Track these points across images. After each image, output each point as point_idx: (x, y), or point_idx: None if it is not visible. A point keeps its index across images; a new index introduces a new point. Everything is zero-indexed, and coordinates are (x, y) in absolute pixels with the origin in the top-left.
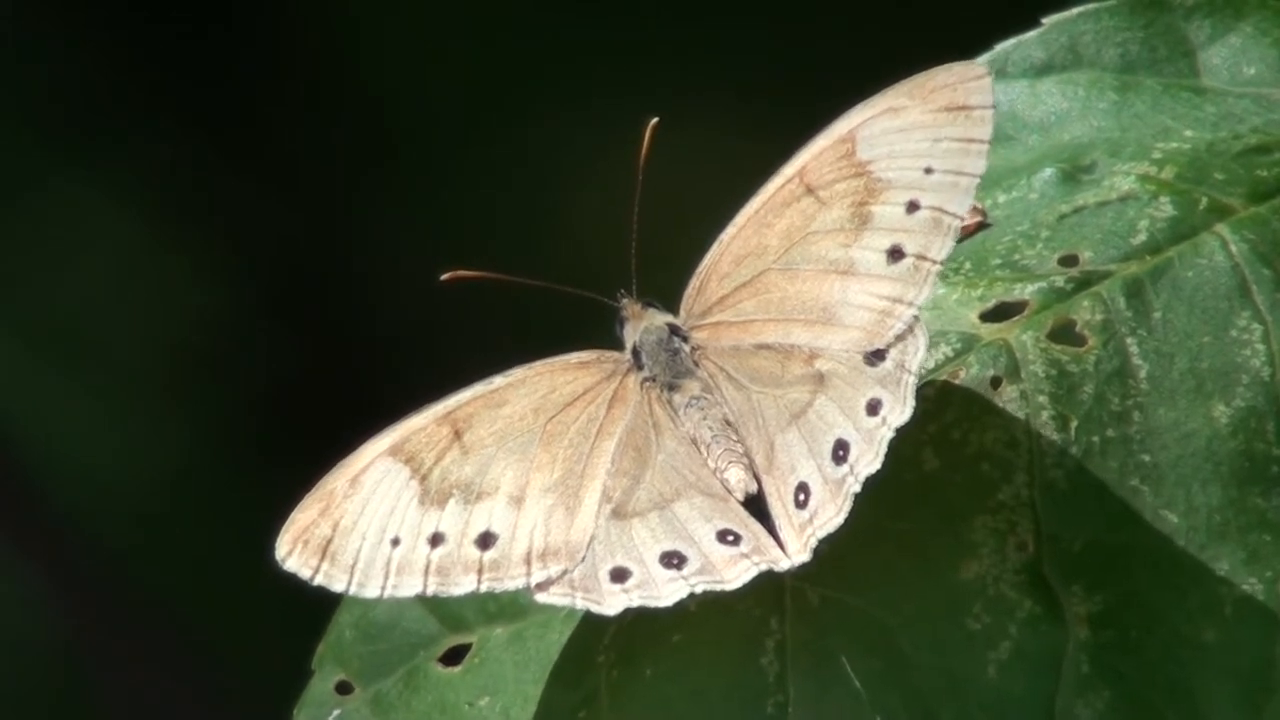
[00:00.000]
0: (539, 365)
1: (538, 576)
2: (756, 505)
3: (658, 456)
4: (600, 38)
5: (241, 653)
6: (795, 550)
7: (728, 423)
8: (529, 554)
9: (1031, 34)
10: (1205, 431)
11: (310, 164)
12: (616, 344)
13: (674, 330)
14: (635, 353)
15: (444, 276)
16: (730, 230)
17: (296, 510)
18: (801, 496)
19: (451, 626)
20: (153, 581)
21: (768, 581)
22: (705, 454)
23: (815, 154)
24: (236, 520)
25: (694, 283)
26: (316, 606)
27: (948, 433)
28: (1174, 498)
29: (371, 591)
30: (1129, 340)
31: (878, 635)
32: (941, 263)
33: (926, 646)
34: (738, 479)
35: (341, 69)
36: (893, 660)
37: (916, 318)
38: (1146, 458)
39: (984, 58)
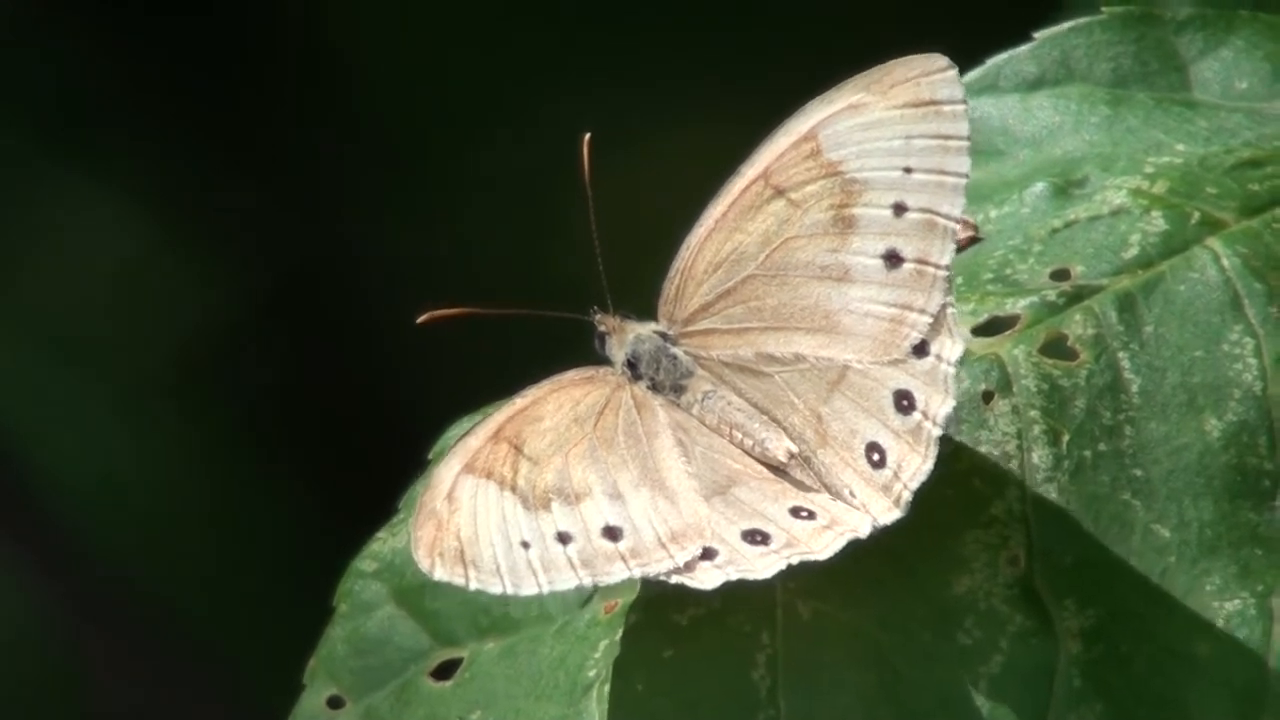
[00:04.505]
0: (546, 384)
1: (681, 557)
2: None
3: (696, 449)
4: (602, 39)
5: (241, 654)
6: (883, 509)
7: (754, 405)
8: (660, 540)
9: (1023, 48)
10: (1197, 446)
11: (313, 167)
12: (598, 360)
13: (664, 338)
14: (631, 364)
15: (420, 319)
16: (698, 233)
17: (414, 528)
18: (876, 456)
19: (443, 641)
20: (153, 583)
21: (759, 595)
22: (742, 436)
23: (777, 154)
24: (237, 522)
25: (669, 288)
26: (317, 607)
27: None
28: (1166, 512)
29: (529, 590)
30: (1121, 354)
31: (869, 650)
32: (946, 267)
33: (918, 661)
34: (777, 443)
35: (344, 72)
36: (884, 675)
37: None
38: (1138, 472)
39: (976, 72)
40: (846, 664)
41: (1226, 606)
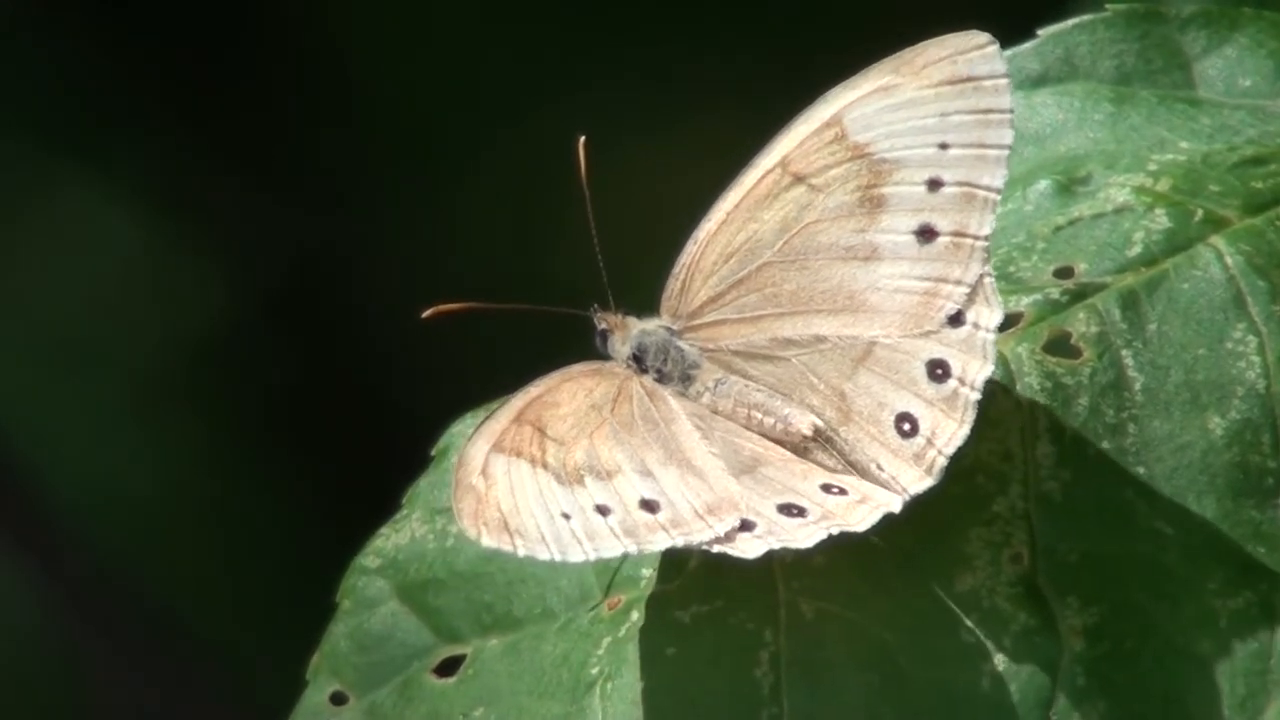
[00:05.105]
0: (556, 375)
1: (720, 527)
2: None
3: (714, 434)
4: (602, 37)
5: (242, 654)
6: (914, 479)
7: (769, 388)
8: (696, 512)
9: (1027, 45)
10: (1200, 444)
11: (313, 166)
12: (599, 358)
13: (669, 332)
14: (637, 357)
15: (425, 314)
16: (708, 226)
17: (454, 501)
18: (906, 426)
19: (446, 637)
20: (153, 582)
21: (761, 594)
22: (762, 416)
23: (798, 142)
24: (238, 521)
25: (673, 284)
26: (319, 607)
27: None
28: (1169, 510)
29: (576, 557)
30: (1124, 352)
31: (872, 648)
32: (985, 238)
33: (921, 659)
34: (801, 418)
35: (344, 72)
36: (887, 673)
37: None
38: (1142, 470)
39: None
40: (849, 662)
41: (1229, 604)
